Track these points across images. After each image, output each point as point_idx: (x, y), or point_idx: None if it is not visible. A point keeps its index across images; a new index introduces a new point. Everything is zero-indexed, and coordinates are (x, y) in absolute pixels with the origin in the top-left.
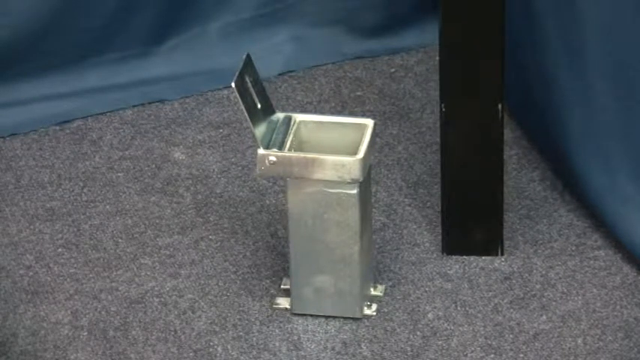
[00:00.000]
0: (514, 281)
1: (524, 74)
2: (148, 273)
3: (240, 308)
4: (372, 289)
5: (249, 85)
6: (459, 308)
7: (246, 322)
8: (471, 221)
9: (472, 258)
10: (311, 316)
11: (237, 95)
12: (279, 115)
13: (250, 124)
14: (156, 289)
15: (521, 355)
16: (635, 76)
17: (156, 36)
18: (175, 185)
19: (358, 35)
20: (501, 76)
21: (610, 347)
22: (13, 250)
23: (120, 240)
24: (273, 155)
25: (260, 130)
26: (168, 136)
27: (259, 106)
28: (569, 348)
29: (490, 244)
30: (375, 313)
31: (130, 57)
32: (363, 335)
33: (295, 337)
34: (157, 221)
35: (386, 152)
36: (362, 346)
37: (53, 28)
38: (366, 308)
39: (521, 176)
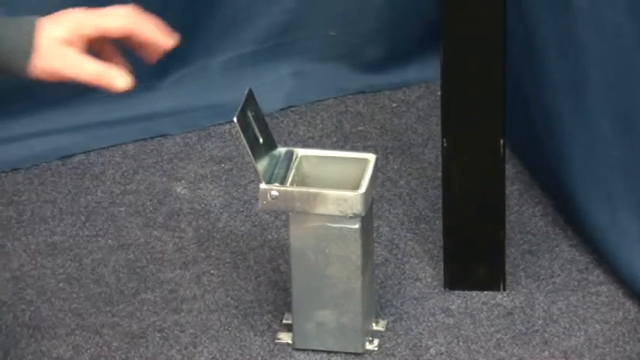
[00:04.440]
0: (516, 317)
1: (525, 109)
2: (150, 308)
3: (242, 343)
4: (374, 324)
5: (251, 119)
6: (461, 344)
7: (248, 357)
8: (473, 256)
9: (474, 293)
10: (313, 351)
11: (239, 130)
12: (281, 150)
13: (252, 158)
14: (157, 323)
15: None
16: (637, 112)
17: (158, 71)
18: (177, 220)
19: (360, 70)
20: (503, 112)
21: None
22: (15, 284)
23: (122, 275)
24: (275, 190)
25: (262, 164)
26: (170, 171)
27: (261, 140)
28: None
29: (492, 279)
30: (377, 349)
31: (131, 91)
32: None
33: None
34: (159, 256)
35: (388, 187)
36: None
37: None
38: (368, 343)
39: (523, 211)
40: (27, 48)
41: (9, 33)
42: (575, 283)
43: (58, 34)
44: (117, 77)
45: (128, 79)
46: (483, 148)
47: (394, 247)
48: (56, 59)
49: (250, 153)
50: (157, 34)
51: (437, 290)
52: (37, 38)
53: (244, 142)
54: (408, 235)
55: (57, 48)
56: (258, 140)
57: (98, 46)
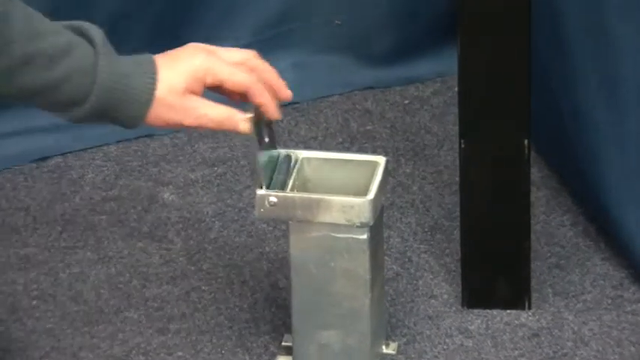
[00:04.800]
0: (543, 338)
1: (553, 107)
2: (134, 328)
3: None
4: (383, 347)
5: (263, 115)
6: None
7: None
8: (495, 271)
9: (496, 312)
10: None
11: (252, 124)
12: (281, 152)
13: (259, 158)
14: (142, 345)
15: None
16: None
17: None
18: (164, 229)
19: (368, 63)
20: (527, 109)
21: None
22: None
23: (102, 291)
24: (273, 196)
25: (262, 167)
26: (156, 175)
27: (267, 139)
28: None
29: (516, 296)
30: None
31: None
32: None
33: None
34: (144, 270)
35: (399, 193)
36: None
37: None
38: None
39: (551, 220)
40: (147, 96)
41: (132, 79)
42: (609, 301)
43: (178, 85)
44: (240, 121)
45: (249, 122)
46: (506, 149)
47: (406, 260)
48: (178, 111)
49: (259, 154)
50: (269, 105)
51: (454, 309)
52: (157, 86)
53: (256, 138)
54: (422, 246)
55: (178, 99)
56: (264, 139)
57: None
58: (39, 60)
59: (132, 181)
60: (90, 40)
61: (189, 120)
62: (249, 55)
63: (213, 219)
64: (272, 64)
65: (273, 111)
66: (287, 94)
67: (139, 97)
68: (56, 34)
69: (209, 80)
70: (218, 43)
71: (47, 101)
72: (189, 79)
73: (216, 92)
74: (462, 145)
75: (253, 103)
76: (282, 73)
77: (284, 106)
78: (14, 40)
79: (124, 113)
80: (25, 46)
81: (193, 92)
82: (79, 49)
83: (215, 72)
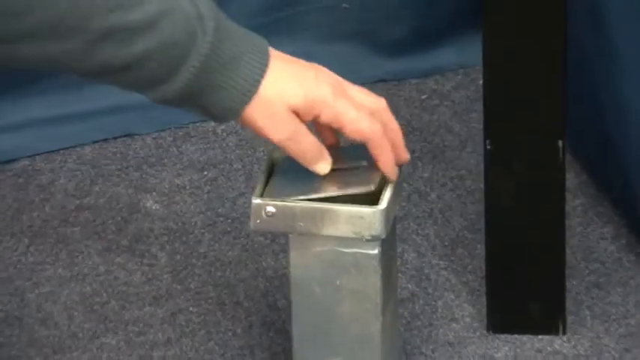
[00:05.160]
0: None
1: (592, 103)
2: (112, 355)
3: None
4: None
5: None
6: None
7: None
8: (524, 290)
9: (526, 337)
10: None
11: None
12: (280, 154)
13: (267, 163)
14: None
15: None
16: None
17: None
18: (147, 243)
19: (380, 53)
20: (563, 106)
21: None
22: None
23: (75, 313)
24: (271, 205)
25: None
26: (138, 180)
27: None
28: None
29: (549, 320)
30: None
31: (89, 80)
32: None
33: None
34: (123, 289)
35: (415, 201)
36: None
37: None
38: None
39: (589, 233)
40: (250, 87)
41: (240, 62)
42: None
43: (292, 98)
44: (325, 162)
45: (329, 165)
46: (537, 152)
47: (423, 278)
48: (276, 122)
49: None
50: (389, 165)
51: (478, 334)
52: (264, 81)
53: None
54: (441, 262)
55: (284, 110)
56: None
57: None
58: (120, 35)
59: (110, 188)
60: (194, 6)
61: (280, 136)
62: (381, 105)
63: (202, 230)
64: None
65: (391, 172)
66: (406, 157)
67: (241, 86)
68: (141, 4)
69: (324, 118)
70: None
71: (134, 78)
72: (305, 105)
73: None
74: (488, 147)
75: (373, 156)
76: None
77: None
78: (93, 14)
79: (217, 102)
80: (104, 19)
81: (300, 118)
82: (171, 18)
83: (338, 113)
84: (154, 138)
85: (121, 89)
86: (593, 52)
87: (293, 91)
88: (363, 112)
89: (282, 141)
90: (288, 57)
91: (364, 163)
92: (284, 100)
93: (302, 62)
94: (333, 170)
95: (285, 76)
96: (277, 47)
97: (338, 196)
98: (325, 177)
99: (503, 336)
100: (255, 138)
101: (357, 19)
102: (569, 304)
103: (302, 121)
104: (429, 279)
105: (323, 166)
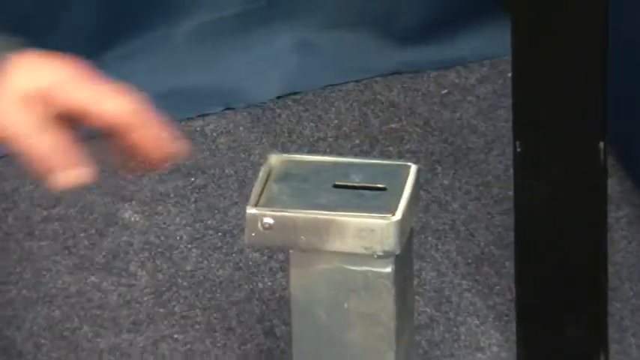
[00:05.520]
0: None
1: (638, 101)
2: None
3: None
4: None
5: None
6: None
7: None
8: (560, 315)
9: None
10: None
11: None
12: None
13: (264, 168)
14: None
15: None
16: None
17: (96, 41)
18: (125, 259)
19: (393, 41)
20: (604, 103)
21: None
22: None
23: (42, 340)
24: (269, 216)
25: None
26: (114, 188)
27: None
28: None
29: (589, 348)
30: None
31: None
32: None
33: None
34: (97, 313)
35: (435, 212)
36: None
37: None
38: None
39: (634, 248)
40: None
41: None
42: None
43: (24, 86)
44: (63, 174)
45: (69, 179)
46: (575, 155)
47: (444, 300)
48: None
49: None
50: (149, 142)
51: None
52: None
53: None
54: (464, 282)
55: (12, 105)
56: None
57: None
58: None
59: (82, 196)
60: None
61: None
62: (131, 107)
63: (189, 245)
64: (266, 43)
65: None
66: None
67: None
68: None
69: (63, 103)
70: (201, 12)
71: None
72: (43, 92)
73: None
74: (518, 149)
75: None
76: (279, 55)
77: (281, 98)
78: None
79: None
80: None
81: (32, 107)
82: None
83: (79, 97)
84: None
85: None
86: (639, 41)
87: (26, 81)
88: (109, 95)
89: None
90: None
91: (382, 185)
92: (13, 90)
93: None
94: (344, 186)
95: (23, 69)
96: (273, 35)
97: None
98: (336, 191)
99: None
100: (250, 139)
101: (368, 3)
102: (611, 330)
103: (38, 114)
104: (451, 302)
105: (63, 179)
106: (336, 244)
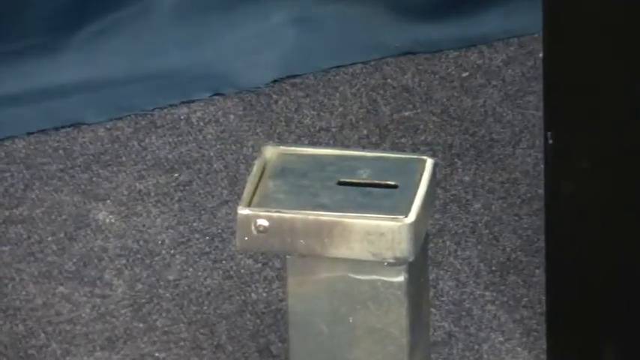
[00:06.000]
0: None
1: None
2: None
3: None
4: None
5: None
6: None
7: None
8: (596, 331)
9: None
10: None
11: None
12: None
13: (259, 163)
14: None
15: None
16: None
17: (67, 19)
18: (99, 267)
19: (406, 17)
20: None
21: None
22: None
23: (4, 359)
24: (263, 217)
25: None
26: (87, 185)
27: None
28: None
29: None
30: None
31: (25, 52)
32: None
33: None
34: (67, 328)
35: (454, 212)
36: None
37: None
38: None
39: None
40: None
41: None
42: None
43: None
44: None
45: None
46: (615, 147)
47: (464, 314)
48: None
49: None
50: None
51: None
52: None
53: None
54: (488, 294)
55: None
56: None
57: None
58: None
59: (49, 194)
60: None
61: None
62: None
63: (172, 251)
64: (261, 20)
65: None
66: None
67: None
68: None
69: None
70: None
71: None
72: None
73: None
74: (550, 141)
75: None
76: (276, 33)
77: (278, 81)
78: None
79: None
80: None
81: None
82: None
83: None
84: (108, 129)
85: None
86: None
87: None
88: None
89: None
90: None
91: (393, 182)
92: None
93: None
94: (350, 183)
95: None
96: (269, 10)
97: (349, 204)
98: (340, 189)
99: None
100: (242, 129)
101: None
102: None
103: None
104: (471, 315)
105: None
106: (340, 250)
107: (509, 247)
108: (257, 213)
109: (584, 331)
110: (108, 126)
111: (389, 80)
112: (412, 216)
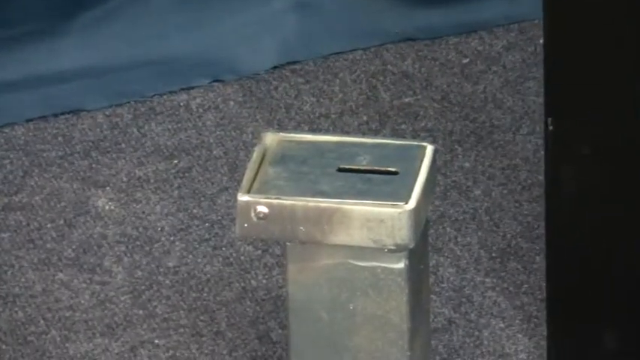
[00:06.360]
0: None
1: None
2: None
3: None
4: None
5: None
6: None
7: None
8: (597, 319)
9: None
10: None
11: None
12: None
13: (258, 149)
14: None
15: None
16: None
17: (66, 4)
18: (98, 254)
19: (407, 3)
20: None
21: None
22: None
23: (4, 346)
24: (263, 204)
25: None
26: (86, 171)
27: None
28: None
29: (629, 357)
30: None
31: (24, 38)
32: None
33: None
34: (67, 314)
35: (454, 199)
36: None
37: None
38: None
39: None
40: None
41: None
42: None
43: None
44: None
45: None
46: (615, 135)
47: (464, 300)
48: None
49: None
50: None
51: None
52: None
53: None
54: (488, 280)
55: None
56: None
57: None
58: None
59: (49, 181)
60: None
61: None
62: None
63: (171, 238)
64: (259, 4)
65: None
66: None
67: None
68: None
69: None
70: None
71: None
72: None
73: None
74: (550, 127)
75: None
76: (275, 19)
77: (278, 68)
78: None
79: None
80: None
81: None
82: None
83: None
84: (108, 115)
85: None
86: None
87: None
88: None
89: None
90: None
91: (393, 168)
92: None
93: None
94: (350, 170)
95: None
96: None
97: (349, 190)
98: (340, 176)
99: None
100: (242, 115)
101: None
102: None
103: None
104: (472, 302)
105: None
106: (340, 237)
107: (510, 234)
108: (257, 200)
109: (585, 318)
110: (107, 112)
111: (389, 66)
112: (412, 202)
